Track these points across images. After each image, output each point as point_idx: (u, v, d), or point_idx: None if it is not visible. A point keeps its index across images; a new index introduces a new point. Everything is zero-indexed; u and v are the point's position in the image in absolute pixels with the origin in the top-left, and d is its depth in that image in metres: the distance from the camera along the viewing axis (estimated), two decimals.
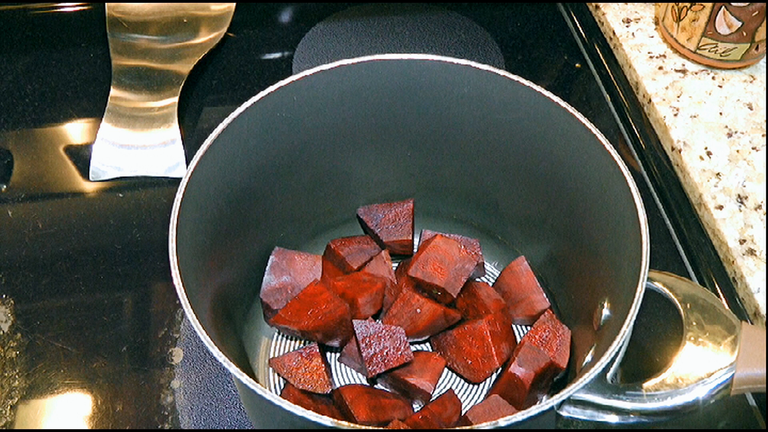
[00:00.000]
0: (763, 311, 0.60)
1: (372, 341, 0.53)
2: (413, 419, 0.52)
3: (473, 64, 0.53)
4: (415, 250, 0.62)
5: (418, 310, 0.55)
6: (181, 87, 0.77)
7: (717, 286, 0.64)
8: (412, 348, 0.56)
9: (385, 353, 0.53)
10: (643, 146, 0.75)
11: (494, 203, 0.62)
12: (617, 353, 0.43)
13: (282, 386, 0.56)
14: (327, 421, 0.38)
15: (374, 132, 0.59)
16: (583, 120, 0.51)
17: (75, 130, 0.77)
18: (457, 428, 0.39)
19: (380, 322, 0.55)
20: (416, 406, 0.55)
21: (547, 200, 0.58)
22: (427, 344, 0.59)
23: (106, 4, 0.84)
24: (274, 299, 0.57)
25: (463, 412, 0.54)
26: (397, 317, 0.55)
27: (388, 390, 0.56)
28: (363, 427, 0.38)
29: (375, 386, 0.56)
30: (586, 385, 0.42)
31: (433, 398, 0.55)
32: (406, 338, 0.54)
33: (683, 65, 0.79)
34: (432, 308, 0.55)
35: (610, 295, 0.50)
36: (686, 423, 0.56)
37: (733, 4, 0.72)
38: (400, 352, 0.53)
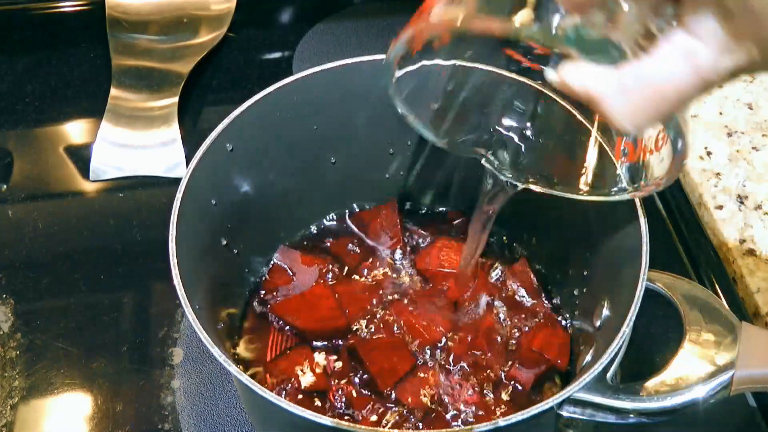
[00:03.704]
0: (763, 311, 0.60)
1: (376, 355, 0.53)
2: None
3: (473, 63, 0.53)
4: (405, 247, 0.62)
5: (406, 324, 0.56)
6: (181, 87, 0.76)
7: (717, 285, 0.64)
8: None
9: (391, 365, 0.53)
10: None
11: None
12: (617, 353, 0.43)
13: (282, 386, 0.56)
14: (327, 420, 0.39)
15: (375, 131, 0.59)
16: (583, 119, 0.51)
17: (75, 130, 0.77)
18: (457, 429, 0.39)
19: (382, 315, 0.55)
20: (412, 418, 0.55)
21: (548, 200, 0.58)
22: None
23: (106, 4, 0.84)
24: (276, 298, 0.58)
25: (463, 412, 0.54)
26: (389, 329, 0.56)
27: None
28: (363, 427, 0.38)
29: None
30: (586, 384, 0.42)
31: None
32: (407, 347, 0.55)
33: None
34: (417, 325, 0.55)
35: (610, 294, 0.50)
36: (686, 423, 0.56)
37: None
38: (405, 360, 0.54)
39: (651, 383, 0.44)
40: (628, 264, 0.47)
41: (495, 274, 0.60)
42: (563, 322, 0.57)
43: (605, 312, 0.50)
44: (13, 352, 0.60)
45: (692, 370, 0.44)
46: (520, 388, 0.53)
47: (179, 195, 0.48)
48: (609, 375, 0.45)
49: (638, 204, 0.47)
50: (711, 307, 0.47)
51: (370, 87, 0.56)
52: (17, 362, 0.59)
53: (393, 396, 0.53)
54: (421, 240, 0.62)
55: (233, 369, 0.41)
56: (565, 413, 0.44)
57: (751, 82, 0.77)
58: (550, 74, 0.33)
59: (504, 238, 0.63)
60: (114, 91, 0.76)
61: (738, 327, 0.46)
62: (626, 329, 0.43)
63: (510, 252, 0.62)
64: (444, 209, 0.65)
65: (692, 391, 0.44)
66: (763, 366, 0.44)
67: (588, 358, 0.49)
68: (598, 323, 0.50)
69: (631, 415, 0.44)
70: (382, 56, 0.55)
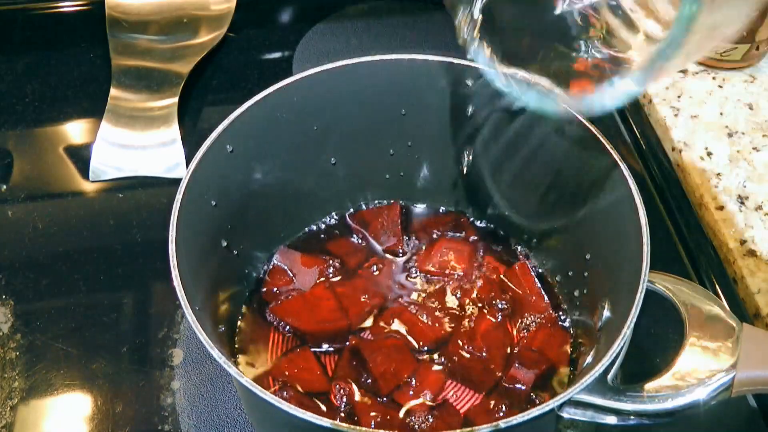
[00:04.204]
0: (764, 312, 0.60)
1: (379, 357, 0.53)
2: None
3: (474, 63, 0.53)
4: (406, 247, 0.62)
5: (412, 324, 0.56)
6: (181, 87, 0.76)
7: (717, 286, 0.64)
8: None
9: (394, 368, 0.53)
10: (644, 146, 0.75)
11: (494, 204, 0.62)
12: (618, 354, 0.43)
13: (282, 388, 0.55)
14: (326, 422, 0.38)
15: (375, 132, 0.59)
16: (583, 120, 0.51)
17: (75, 130, 0.77)
18: (458, 430, 0.39)
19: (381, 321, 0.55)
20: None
21: (548, 200, 0.58)
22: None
23: (106, 4, 0.84)
24: (276, 299, 0.58)
25: (463, 413, 0.54)
26: (390, 330, 0.56)
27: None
28: (363, 428, 0.38)
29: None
30: (587, 386, 0.42)
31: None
32: (408, 349, 0.55)
33: None
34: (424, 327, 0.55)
35: (611, 296, 0.50)
36: (687, 424, 0.55)
37: None
38: (407, 363, 0.53)
39: (652, 385, 0.44)
40: (628, 265, 0.47)
41: (496, 275, 0.60)
42: (564, 323, 0.57)
43: (606, 313, 0.50)
44: (13, 353, 0.60)
45: (693, 372, 0.44)
46: (520, 388, 0.53)
47: (179, 195, 0.48)
48: (610, 376, 0.45)
49: (639, 204, 0.47)
50: (711, 309, 0.47)
51: (370, 87, 0.56)
52: (17, 363, 0.59)
53: (394, 398, 0.53)
54: (421, 240, 0.62)
55: (233, 370, 0.41)
56: (565, 415, 0.44)
57: (751, 83, 0.77)
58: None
59: (505, 238, 0.63)
60: (114, 91, 0.76)
61: (739, 328, 0.46)
62: (627, 331, 0.43)
63: (510, 253, 0.62)
64: (444, 209, 0.64)
65: (693, 392, 0.44)
66: (764, 367, 0.44)
67: (589, 359, 0.49)
68: (599, 324, 0.50)
69: (632, 417, 0.44)
70: (382, 56, 0.55)
